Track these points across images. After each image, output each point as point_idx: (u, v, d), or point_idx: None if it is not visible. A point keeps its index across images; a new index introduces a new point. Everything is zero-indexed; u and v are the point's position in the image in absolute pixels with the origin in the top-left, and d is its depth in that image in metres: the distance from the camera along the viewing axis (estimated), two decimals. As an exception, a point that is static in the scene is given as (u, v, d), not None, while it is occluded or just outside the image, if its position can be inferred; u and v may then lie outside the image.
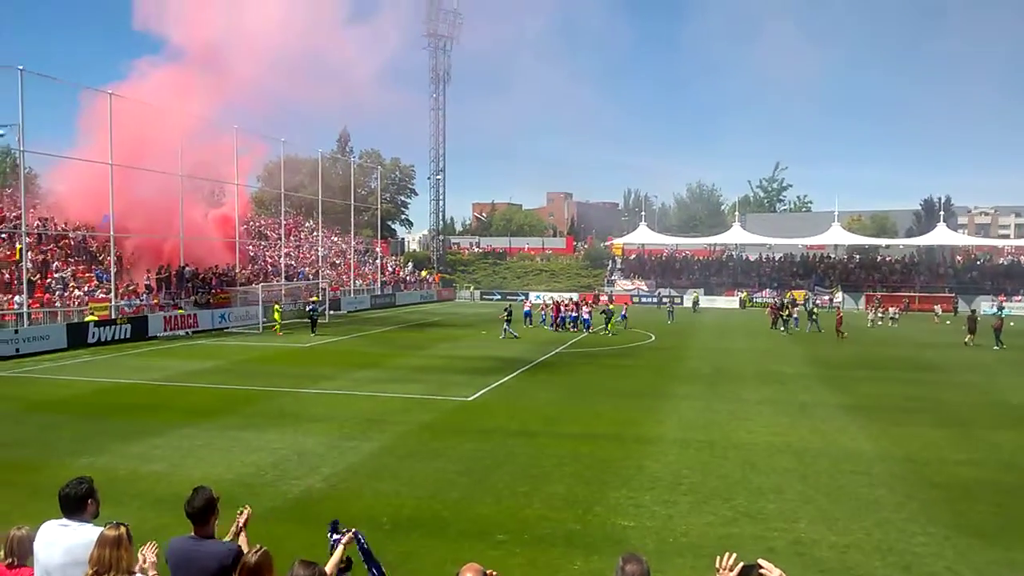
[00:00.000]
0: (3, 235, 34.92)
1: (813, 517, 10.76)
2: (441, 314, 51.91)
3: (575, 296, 55.14)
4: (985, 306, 54.86)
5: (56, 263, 35.13)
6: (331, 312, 44.11)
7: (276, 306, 39.60)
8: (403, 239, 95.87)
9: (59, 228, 38.14)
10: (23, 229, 31.87)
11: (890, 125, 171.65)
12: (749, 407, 19.02)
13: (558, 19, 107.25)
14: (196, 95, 43.81)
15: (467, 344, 33.69)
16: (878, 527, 10.40)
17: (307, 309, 39.62)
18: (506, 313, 37.58)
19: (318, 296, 44.76)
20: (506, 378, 23.42)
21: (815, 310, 44.32)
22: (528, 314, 42.87)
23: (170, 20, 47.36)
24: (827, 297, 59.89)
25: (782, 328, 40.60)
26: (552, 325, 40.36)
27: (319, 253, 57.64)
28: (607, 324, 38.93)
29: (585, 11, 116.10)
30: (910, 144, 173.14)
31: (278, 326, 37.88)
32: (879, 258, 71.66)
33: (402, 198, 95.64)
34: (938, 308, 50.88)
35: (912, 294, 59.45)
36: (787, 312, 42.30)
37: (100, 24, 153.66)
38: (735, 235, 71.01)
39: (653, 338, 36.17)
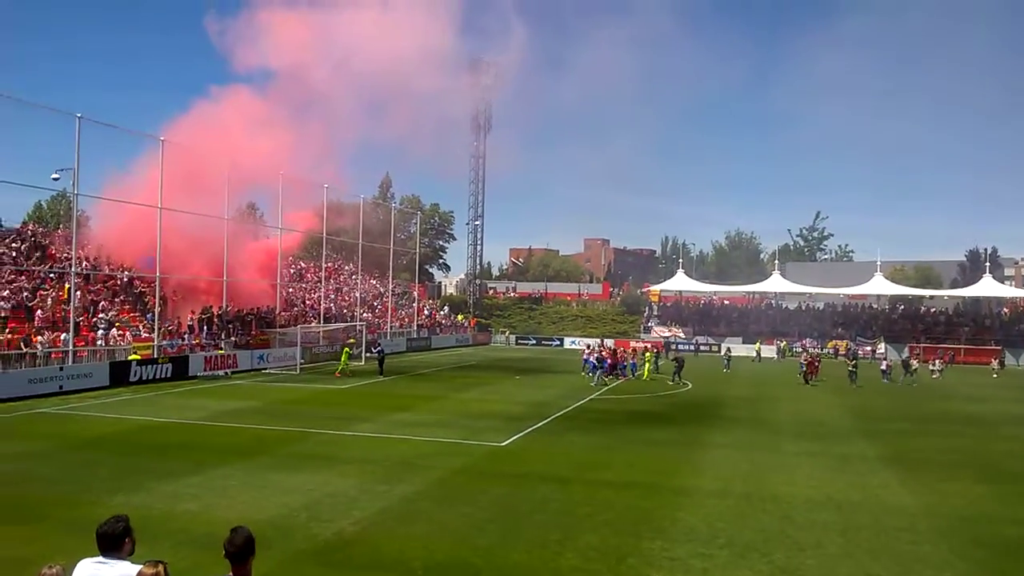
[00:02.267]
0: (52, 275, 35.88)
1: (854, 574, 10.44)
2: (476, 358, 51.91)
3: (610, 342, 54.89)
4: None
5: (103, 302, 35.95)
6: (367, 354, 44.37)
7: (346, 348, 39.70)
8: (440, 283, 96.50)
9: (108, 269, 39.08)
10: (72, 270, 32.75)
11: (934, 175, 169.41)
12: (788, 459, 18.65)
13: (598, 69, 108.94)
14: (257, 129, 45.70)
15: (501, 389, 33.59)
16: (922, 586, 10.05)
17: (375, 351, 40.15)
18: (596, 359, 37.12)
19: (354, 338, 45.12)
20: (540, 424, 23.26)
21: (912, 361, 42.08)
22: (592, 364, 38.20)
23: (244, 55, 50.13)
24: (869, 348, 58.75)
25: (852, 381, 37.15)
26: (606, 372, 37.60)
27: (357, 296, 58.24)
28: (677, 374, 37.20)
29: (624, 61, 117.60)
30: (955, 195, 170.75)
31: (342, 367, 37.70)
32: (923, 309, 70.26)
33: (440, 243, 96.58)
34: (995, 362, 49.48)
35: (957, 346, 58.05)
36: (853, 363, 39.35)
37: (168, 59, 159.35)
38: (774, 283, 70.22)
39: (690, 386, 35.73)
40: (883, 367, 41.71)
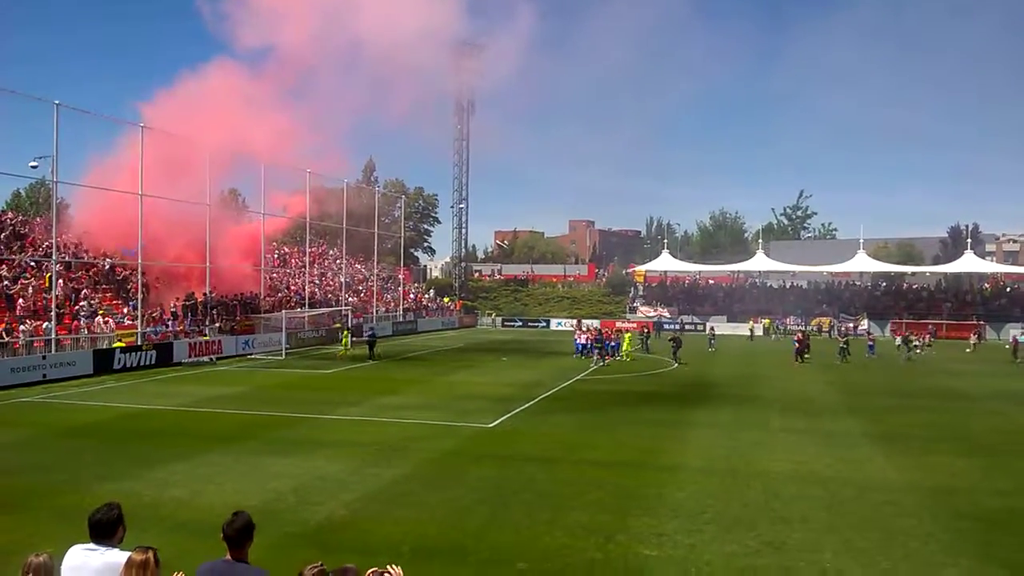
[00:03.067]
0: (32, 263, 35.52)
1: (839, 548, 10.57)
2: (463, 341, 51.95)
3: (595, 323, 55.13)
4: (1014, 333, 54.02)
5: (85, 290, 35.64)
6: (354, 339, 44.27)
7: (345, 331, 40.66)
8: (425, 266, 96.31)
9: (88, 256, 38.70)
10: (53, 257, 32.44)
11: (916, 152, 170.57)
12: (773, 435, 18.83)
13: (587, 50, 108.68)
14: (241, 109, 45.58)
15: (488, 371, 33.65)
16: (906, 559, 10.20)
17: (366, 335, 40.42)
18: (597, 343, 37.39)
19: (339, 322, 45.03)
20: (527, 405, 23.34)
21: (911, 338, 42.55)
22: (579, 345, 40.04)
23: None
24: (851, 324, 59.25)
25: (838, 358, 38.01)
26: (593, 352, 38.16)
27: (342, 281, 58.05)
28: (675, 354, 36.82)
29: (606, 43, 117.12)
30: (936, 171, 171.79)
31: (344, 350, 38.34)
32: (905, 286, 70.88)
33: (425, 226, 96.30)
34: (973, 337, 49.82)
35: (939, 321, 58.63)
36: (845, 340, 40.03)
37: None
38: (759, 262, 70.63)
39: (676, 365, 35.90)
40: (870, 343, 42.19)
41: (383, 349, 42.18)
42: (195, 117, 42.33)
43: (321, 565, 4.68)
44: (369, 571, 4.43)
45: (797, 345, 39.08)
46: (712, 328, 51.93)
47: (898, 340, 44.11)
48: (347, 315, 47.79)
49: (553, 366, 35.29)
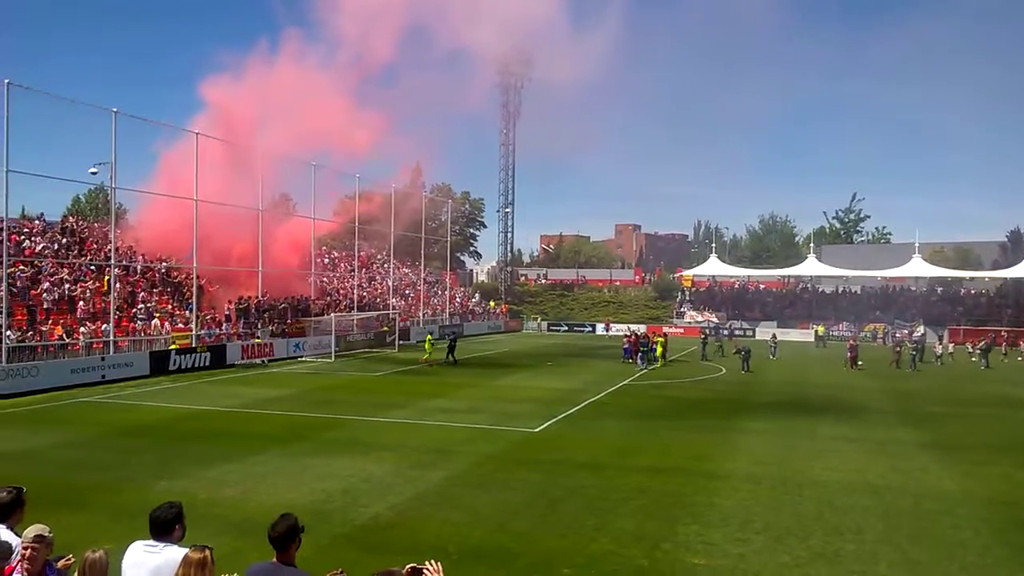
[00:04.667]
0: (92, 267, 36.57)
1: (894, 559, 10.33)
2: (508, 345, 52.03)
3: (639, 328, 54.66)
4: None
5: (142, 293, 36.59)
6: (401, 342, 44.67)
7: (429, 336, 40.80)
8: (472, 270, 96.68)
9: (145, 261, 39.72)
10: (112, 261, 33.35)
11: (973, 154, 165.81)
12: (825, 443, 18.48)
13: (627, 51, 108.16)
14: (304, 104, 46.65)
15: (534, 375, 33.64)
16: (963, 571, 9.93)
17: (449, 338, 41.04)
18: (643, 346, 37.62)
19: (388, 326, 45.35)
20: (573, 410, 23.29)
21: (990, 346, 40.97)
22: (627, 351, 39.81)
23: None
24: (907, 331, 57.79)
25: (910, 366, 37.20)
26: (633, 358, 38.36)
27: (390, 284, 58.65)
28: (745, 364, 35.49)
29: (653, 45, 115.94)
30: (995, 174, 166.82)
31: (427, 354, 38.02)
32: (963, 291, 68.90)
33: (471, 230, 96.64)
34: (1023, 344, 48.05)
35: (1000, 328, 56.79)
36: (914, 347, 39.04)
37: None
38: (810, 267, 69.32)
39: (723, 371, 35.46)
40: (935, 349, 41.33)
41: (432, 353, 42.37)
42: (257, 103, 43.55)
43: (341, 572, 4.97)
44: (407, 567, 4.49)
45: (851, 353, 38.36)
46: (774, 335, 49.06)
47: (945, 345, 42.92)
48: (395, 319, 48.20)
49: (599, 371, 35.13)
